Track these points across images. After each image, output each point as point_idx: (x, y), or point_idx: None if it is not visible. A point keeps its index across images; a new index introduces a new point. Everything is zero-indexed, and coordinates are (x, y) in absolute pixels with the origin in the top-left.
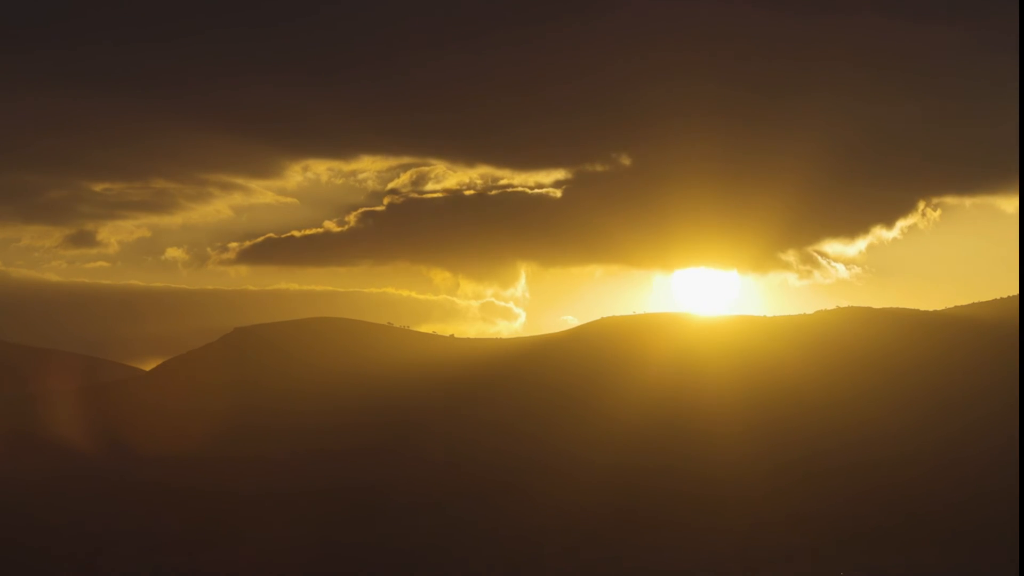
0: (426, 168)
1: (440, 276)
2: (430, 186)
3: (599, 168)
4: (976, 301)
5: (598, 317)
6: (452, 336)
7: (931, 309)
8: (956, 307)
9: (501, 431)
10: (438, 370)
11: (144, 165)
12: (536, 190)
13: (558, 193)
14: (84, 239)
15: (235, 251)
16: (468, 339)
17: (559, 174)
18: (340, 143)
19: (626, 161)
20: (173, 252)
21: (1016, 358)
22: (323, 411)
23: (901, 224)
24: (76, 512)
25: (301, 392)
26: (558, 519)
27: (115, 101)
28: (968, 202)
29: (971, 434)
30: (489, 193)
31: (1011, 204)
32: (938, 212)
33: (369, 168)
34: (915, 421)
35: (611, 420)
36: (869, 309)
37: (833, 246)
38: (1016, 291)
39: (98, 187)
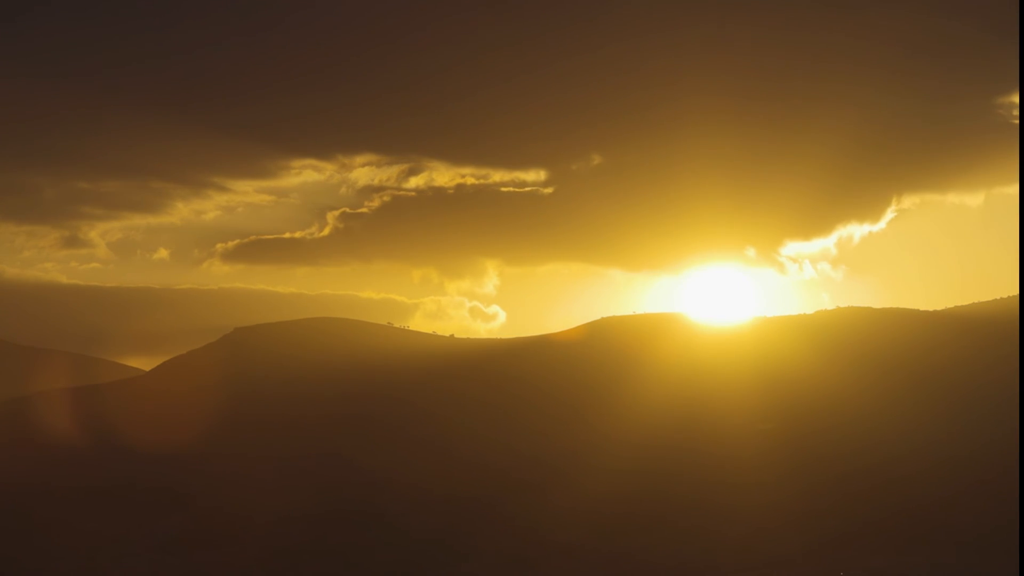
0: (410, 168)
1: (422, 275)
2: (413, 185)
3: (577, 168)
4: (974, 300)
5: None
6: (452, 336)
7: (931, 309)
8: (957, 307)
9: (508, 431)
10: (441, 370)
11: (138, 166)
12: (519, 189)
13: (542, 192)
14: (77, 239)
15: (223, 252)
16: (469, 339)
17: (541, 173)
18: (330, 145)
19: (606, 162)
20: (163, 252)
21: (1016, 357)
22: (324, 411)
23: (876, 221)
24: (75, 512)
25: (302, 392)
26: (564, 519)
27: (111, 102)
28: (939, 199)
29: (972, 434)
30: (471, 192)
31: (975, 199)
32: (912, 210)
33: (358, 169)
34: (916, 421)
35: (620, 420)
36: (870, 309)
37: (807, 244)
38: (1016, 291)
39: (92, 187)
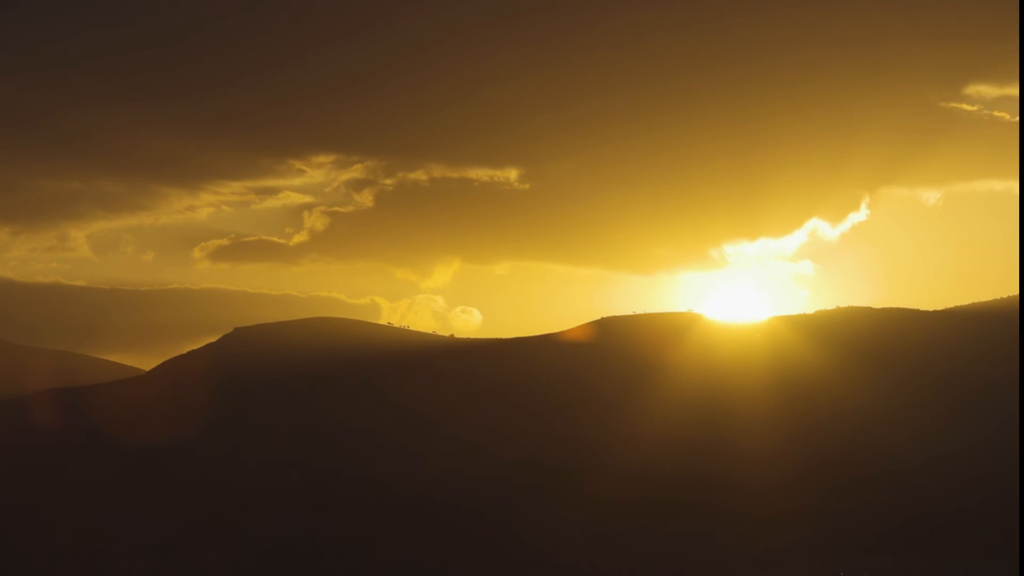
0: (393, 168)
1: (400, 275)
2: (395, 186)
3: (553, 167)
4: (974, 300)
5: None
6: (452, 336)
7: (931, 309)
8: (957, 306)
9: (520, 431)
10: (449, 369)
11: (128, 166)
12: (498, 187)
13: (518, 188)
14: (68, 239)
15: (209, 252)
16: (469, 339)
17: (515, 171)
18: (316, 146)
19: (582, 162)
20: (151, 252)
21: (1016, 357)
22: (327, 410)
23: (846, 219)
24: (75, 512)
25: (304, 391)
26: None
27: (104, 102)
28: (909, 196)
29: (972, 434)
30: (451, 192)
31: (933, 194)
32: (882, 207)
33: (341, 170)
34: (917, 421)
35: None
36: (869, 309)
37: (777, 242)
38: (1015, 291)
39: (84, 187)
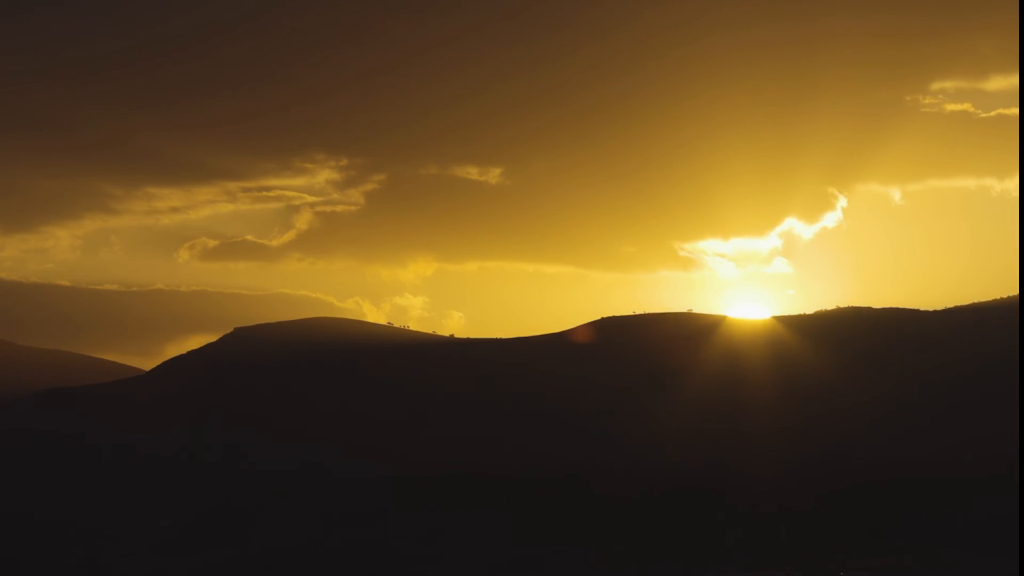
0: (378, 168)
1: (382, 275)
2: (377, 186)
3: (534, 168)
4: (970, 299)
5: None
6: (452, 336)
7: (931, 309)
8: (956, 307)
9: (516, 430)
10: (446, 371)
11: (119, 166)
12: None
13: (501, 184)
14: (58, 239)
15: (194, 253)
16: (468, 339)
17: (497, 170)
18: (304, 147)
19: (563, 162)
20: (143, 252)
21: (1016, 358)
22: (328, 410)
23: (821, 218)
24: (74, 511)
25: (305, 391)
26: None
27: (99, 104)
28: (882, 192)
29: (973, 434)
30: (438, 192)
31: (908, 191)
32: (858, 204)
33: (330, 170)
34: (917, 421)
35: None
36: (869, 309)
37: (750, 241)
38: (1011, 289)
39: (77, 186)
